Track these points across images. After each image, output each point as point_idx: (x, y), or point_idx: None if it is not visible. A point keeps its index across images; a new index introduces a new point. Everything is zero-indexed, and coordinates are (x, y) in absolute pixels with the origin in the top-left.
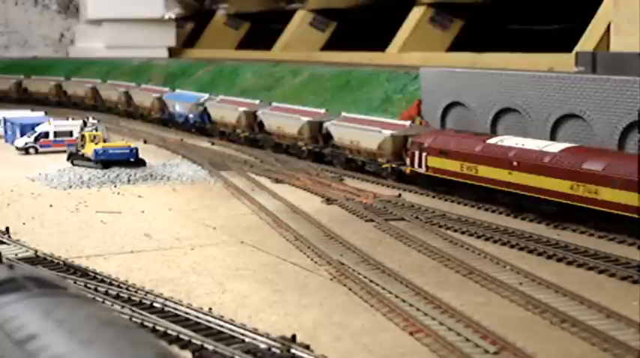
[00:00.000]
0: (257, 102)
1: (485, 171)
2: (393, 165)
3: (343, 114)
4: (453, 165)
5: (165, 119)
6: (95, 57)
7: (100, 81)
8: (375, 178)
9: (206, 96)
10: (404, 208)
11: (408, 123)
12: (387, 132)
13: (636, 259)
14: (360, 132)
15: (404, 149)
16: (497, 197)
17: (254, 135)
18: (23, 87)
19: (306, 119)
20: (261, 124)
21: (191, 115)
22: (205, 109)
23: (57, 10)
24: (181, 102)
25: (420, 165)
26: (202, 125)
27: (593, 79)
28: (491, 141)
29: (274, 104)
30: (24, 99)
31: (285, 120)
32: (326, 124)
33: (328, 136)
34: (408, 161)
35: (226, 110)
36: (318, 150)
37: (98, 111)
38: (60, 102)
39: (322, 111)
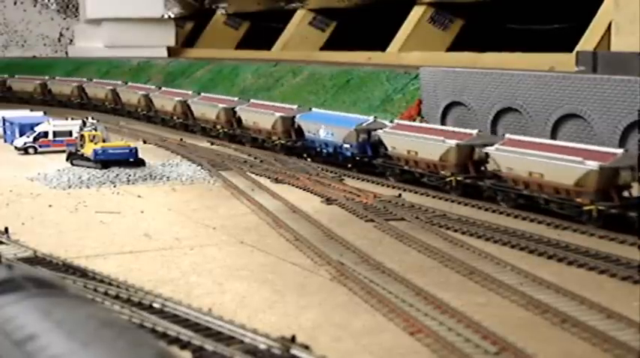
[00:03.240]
0: (474, 132)
1: None
2: None
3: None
4: None
5: (297, 147)
6: (94, 56)
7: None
8: (375, 178)
9: (370, 119)
10: (404, 208)
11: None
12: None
13: (637, 259)
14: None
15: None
16: None
17: (472, 178)
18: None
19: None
20: (480, 164)
21: (347, 145)
22: (369, 137)
23: (56, 9)
24: (330, 126)
25: None
26: (367, 159)
27: (594, 79)
28: None
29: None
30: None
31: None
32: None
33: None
34: None
35: (419, 142)
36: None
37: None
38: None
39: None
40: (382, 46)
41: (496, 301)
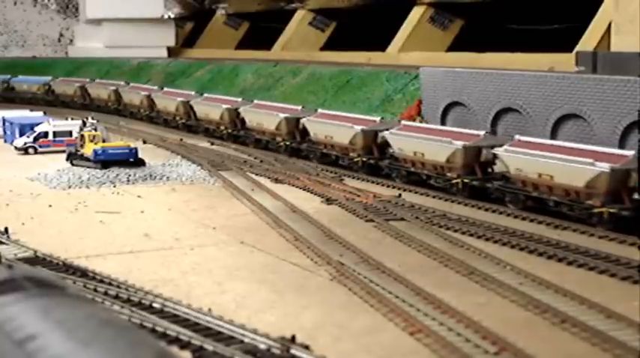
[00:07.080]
0: None
1: None
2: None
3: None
4: None
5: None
6: (94, 57)
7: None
8: (376, 178)
9: None
10: (404, 208)
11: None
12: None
13: (637, 259)
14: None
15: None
16: None
17: None
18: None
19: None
20: None
21: None
22: None
23: (56, 9)
24: None
25: None
26: None
27: (594, 79)
28: None
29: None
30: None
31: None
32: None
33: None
34: None
35: None
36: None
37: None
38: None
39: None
40: (382, 46)
41: (496, 301)
